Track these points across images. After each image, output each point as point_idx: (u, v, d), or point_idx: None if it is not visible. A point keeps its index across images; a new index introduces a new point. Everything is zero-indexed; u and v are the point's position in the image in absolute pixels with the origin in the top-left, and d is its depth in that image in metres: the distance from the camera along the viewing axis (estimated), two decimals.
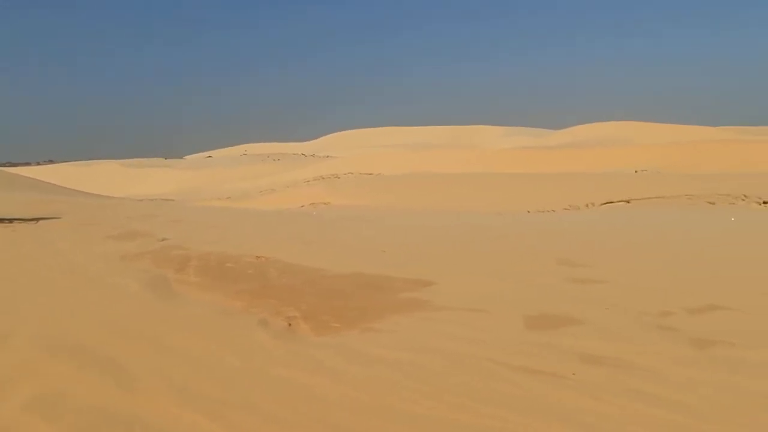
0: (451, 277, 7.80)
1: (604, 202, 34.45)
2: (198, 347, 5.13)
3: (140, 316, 6.06)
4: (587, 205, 34.04)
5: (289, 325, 5.88)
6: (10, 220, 13.45)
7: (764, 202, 28.88)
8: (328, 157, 76.68)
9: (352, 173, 57.26)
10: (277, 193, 50.17)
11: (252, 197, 49.48)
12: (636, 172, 45.53)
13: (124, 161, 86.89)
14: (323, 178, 55.26)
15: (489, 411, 3.92)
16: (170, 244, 10.20)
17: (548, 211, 31.50)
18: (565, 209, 33.28)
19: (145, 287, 7.17)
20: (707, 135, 55.90)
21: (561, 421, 3.81)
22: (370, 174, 55.27)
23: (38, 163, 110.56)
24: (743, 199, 30.96)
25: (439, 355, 4.92)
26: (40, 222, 13.45)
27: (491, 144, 74.71)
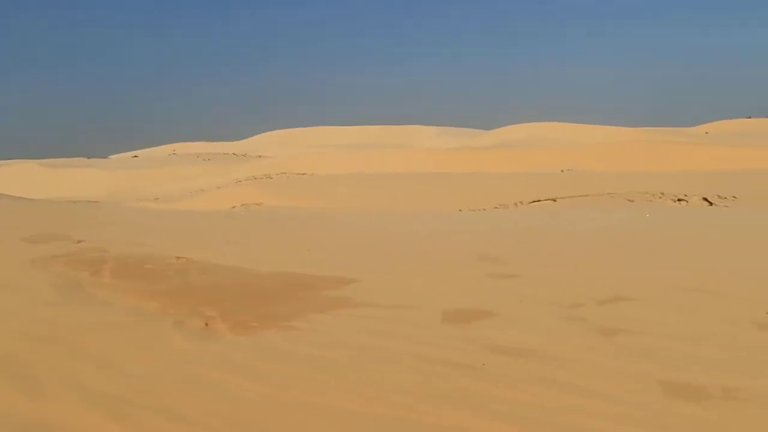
0: (375, 275, 7.87)
1: (532, 200, 35.48)
2: (108, 350, 4.99)
3: (50, 321, 5.84)
4: (516, 204, 34.97)
5: (206, 325, 5.79)
6: None
7: (679, 200, 30.48)
8: (260, 157, 75.54)
9: (285, 173, 56.62)
10: (207, 193, 49.04)
11: (182, 198, 48.18)
12: (562, 171, 47.02)
13: (43, 161, 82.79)
14: (255, 179, 54.45)
15: (400, 401, 3.99)
16: (87, 246, 9.84)
17: (479, 210, 32.17)
18: (495, 208, 34.08)
19: (57, 290, 6.90)
20: (629, 136, 58.42)
21: (470, 409, 3.92)
22: (304, 174, 54.83)
23: None
24: (660, 197, 32.56)
25: (355, 350, 4.96)
26: None
27: (425, 144, 75.68)
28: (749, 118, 66.23)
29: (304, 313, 6.08)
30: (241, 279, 7.57)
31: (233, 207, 37.00)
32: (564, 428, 3.65)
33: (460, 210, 31.62)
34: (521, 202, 35.37)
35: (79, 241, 10.31)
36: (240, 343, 5.24)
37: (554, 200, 34.72)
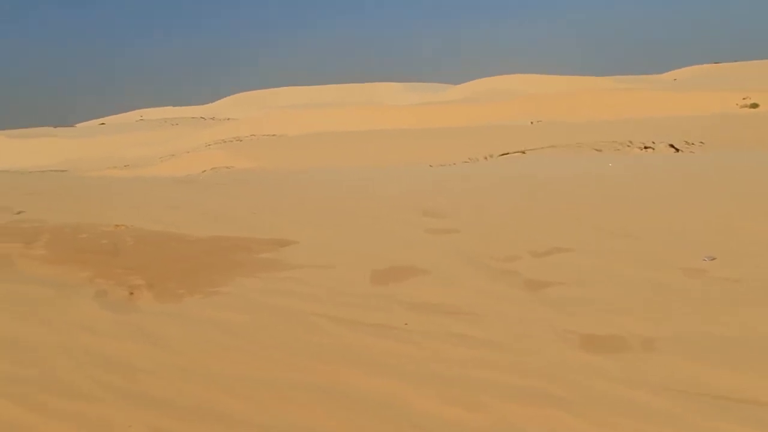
0: (315, 236, 7.73)
1: (502, 153, 35.36)
2: (16, 327, 4.82)
3: None
4: (485, 158, 34.84)
5: (131, 294, 5.65)
6: None
7: (646, 147, 30.59)
8: (228, 119, 74.15)
9: (254, 135, 55.71)
10: (177, 158, 48.06)
11: (151, 164, 47.23)
12: (532, 123, 46.88)
13: (9, 132, 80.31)
14: (225, 142, 53.53)
15: (305, 364, 3.92)
16: (25, 217, 9.54)
17: (449, 164, 32.04)
18: (465, 162, 33.96)
19: None
20: (596, 84, 58.28)
21: (377, 370, 3.84)
22: (274, 135, 53.99)
23: None
24: (628, 145, 32.60)
25: (272, 313, 4.87)
26: None
27: (391, 101, 74.68)
28: (716, 63, 66.27)
29: (233, 277, 5.95)
30: (175, 244, 7.40)
31: (203, 171, 36.39)
32: (457, 381, 3.61)
33: (431, 166, 31.47)
34: (491, 156, 35.28)
35: (19, 212, 10.00)
36: (160, 311, 5.11)
37: (523, 152, 34.66)
